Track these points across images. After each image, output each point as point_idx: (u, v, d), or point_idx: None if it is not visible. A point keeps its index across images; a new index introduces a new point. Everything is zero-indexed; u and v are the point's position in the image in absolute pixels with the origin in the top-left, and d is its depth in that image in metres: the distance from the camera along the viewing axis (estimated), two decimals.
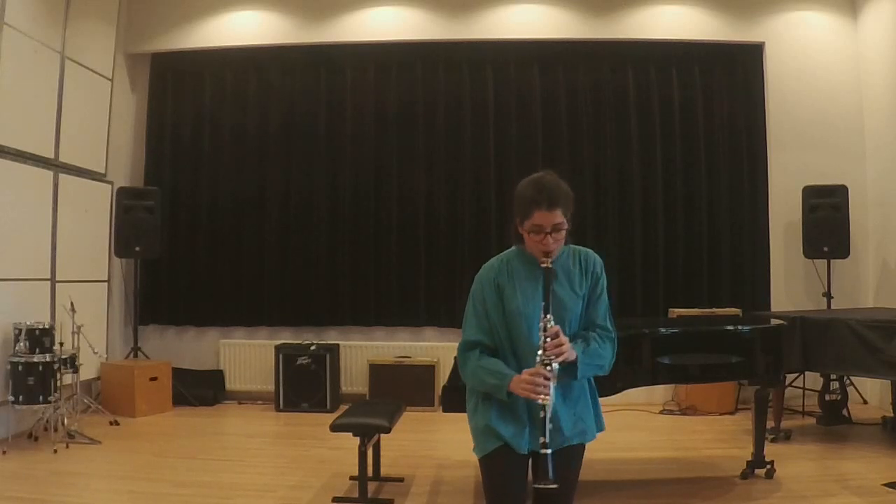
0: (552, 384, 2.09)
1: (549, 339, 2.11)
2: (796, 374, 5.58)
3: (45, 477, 4.34)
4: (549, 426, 2.08)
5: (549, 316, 2.13)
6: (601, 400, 2.47)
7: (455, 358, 3.67)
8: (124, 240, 6.48)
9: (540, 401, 2.07)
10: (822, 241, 6.11)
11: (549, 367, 2.09)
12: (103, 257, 6.52)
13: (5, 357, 5.04)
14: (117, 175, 6.79)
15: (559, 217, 2.17)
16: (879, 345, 4.27)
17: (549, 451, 2.06)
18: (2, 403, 5.04)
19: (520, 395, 2.14)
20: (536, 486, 2.04)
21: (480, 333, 2.27)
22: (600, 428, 2.37)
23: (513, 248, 2.34)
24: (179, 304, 6.99)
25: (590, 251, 2.35)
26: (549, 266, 2.17)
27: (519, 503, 2.28)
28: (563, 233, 2.21)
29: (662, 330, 3.93)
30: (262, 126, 7.04)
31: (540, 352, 2.11)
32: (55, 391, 5.06)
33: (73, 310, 5.31)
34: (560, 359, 2.11)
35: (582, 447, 2.32)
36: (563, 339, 2.14)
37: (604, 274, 2.33)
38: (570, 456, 2.28)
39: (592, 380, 2.37)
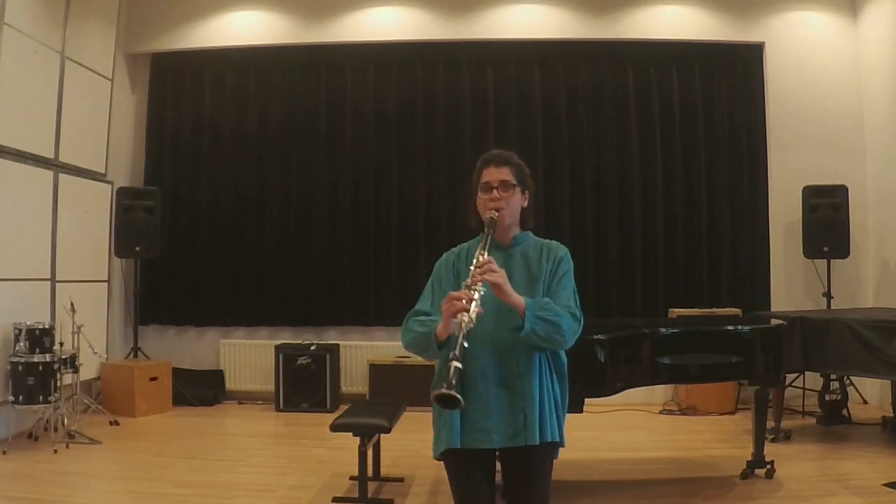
0: (475, 308, 1.95)
1: (477, 269, 2.02)
2: (796, 374, 5.58)
3: (45, 477, 4.34)
4: (462, 343, 1.91)
5: (484, 252, 2.07)
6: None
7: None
8: (124, 240, 6.47)
9: (456, 319, 1.95)
10: (822, 241, 6.11)
11: (472, 290, 1.98)
12: (103, 257, 6.52)
13: (5, 357, 5.04)
14: (117, 175, 6.79)
15: (506, 174, 2.23)
16: (879, 345, 4.27)
17: (458, 365, 1.89)
18: (2, 403, 5.04)
19: (443, 333, 2.04)
20: (434, 393, 1.92)
21: (428, 306, 2.25)
22: (552, 438, 2.16)
23: (477, 236, 2.29)
24: (179, 304, 6.99)
25: (555, 242, 2.31)
26: (493, 216, 2.18)
27: (485, 501, 2.22)
28: (514, 192, 2.23)
29: (662, 330, 3.92)
30: (262, 126, 7.04)
31: (468, 279, 2.02)
32: (55, 391, 5.05)
33: (73, 310, 5.31)
34: (489, 278, 2.00)
35: (539, 452, 2.16)
36: (496, 266, 2.04)
37: (568, 259, 2.25)
38: (535, 456, 2.17)
39: (554, 382, 2.21)
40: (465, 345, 1.92)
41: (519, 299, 2.05)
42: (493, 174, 2.23)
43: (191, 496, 4.01)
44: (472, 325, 1.94)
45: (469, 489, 2.21)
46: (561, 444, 2.22)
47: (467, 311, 1.94)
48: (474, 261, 2.06)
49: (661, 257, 6.74)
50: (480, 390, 2.15)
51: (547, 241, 2.31)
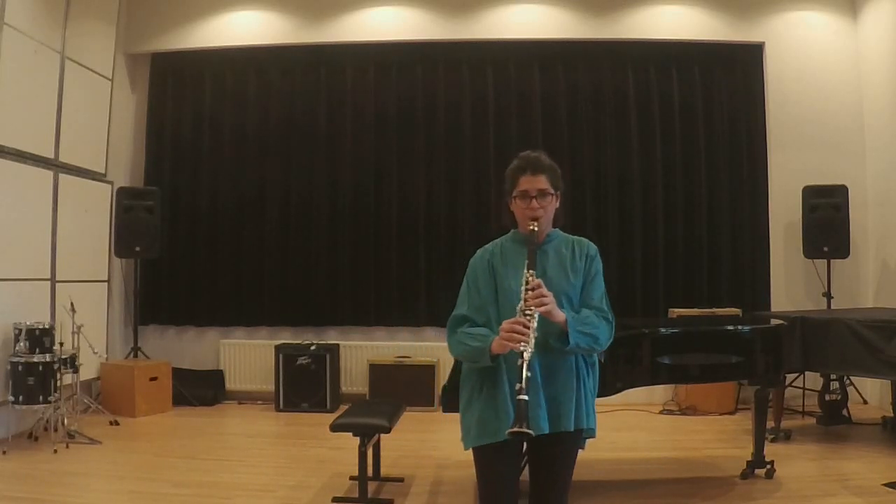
0: (532, 335, 2.07)
1: (529, 291, 2.12)
2: (796, 374, 5.58)
3: (45, 477, 4.33)
4: (526, 374, 2.02)
5: (531, 272, 2.16)
6: (601, 401, 2.48)
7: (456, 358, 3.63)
8: (124, 240, 6.47)
9: (519, 349, 2.05)
10: (822, 241, 6.11)
11: (528, 317, 2.09)
12: (103, 257, 6.52)
13: (5, 357, 5.04)
14: (117, 175, 6.79)
15: (543, 183, 2.28)
16: (879, 345, 4.26)
17: (525, 397, 2.00)
18: (2, 403, 5.04)
19: (500, 351, 2.14)
20: (509, 431, 1.99)
21: (470, 311, 2.31)
22: (588, 425, 2.30)
23: (510, 232, 2.41)
24: (179, 304, 6.99)
25: (585, 239, 2.41)
26: (534, 228, 2.25)
27: (510, 494, 2.30)
28: (550, 200, 2.30)
29: (662, 330, 3.93)
30: (262, 126, 7.04)
31: (521, 303, 2.11)
32: (55, 391, 5.05)
33: (73, 310, 5.30)
34: (542, 309, 2.10)
35: (571, 439, 2.28)
36: (546, 290, 2.13)
37: (599, 259, 2.37)
38: (563, 443, 2.27)
39: (589, 375, 2.33)
40: (528, 374, 2.03)
41: (562, 317, 2.16)
42: (530, 183, 2.27)
43: (191, 496, 4.01)
44: (531, 353, 2.05)
45: (504, 476, 2.29)
46: (593, 433, 2.35)
47: (527, 342, 2.05)
48: (523, 282, 2.15)
49: (661, 257, 6.75)
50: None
51: (576, 237, 2.40)
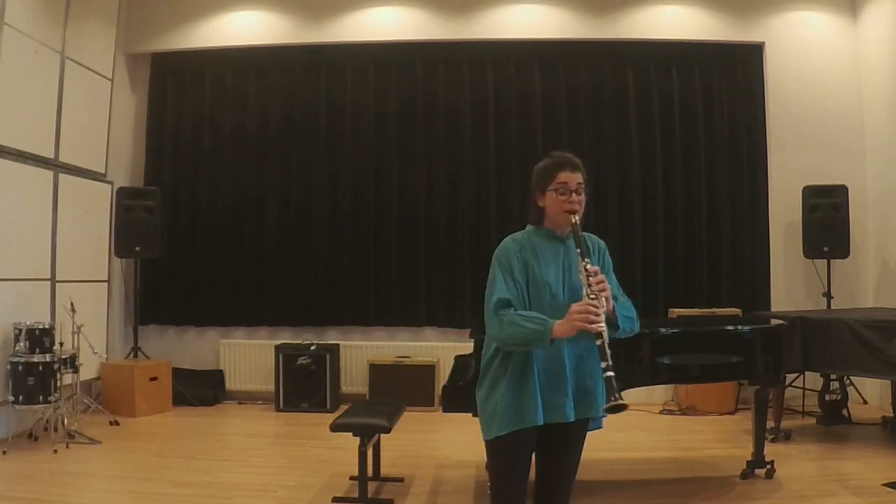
0: (602, 316, 2.17)
1: (591, 278, 2.22)
2: (796, 374, 5.58)
3: (45, 477, 4.33)
4: (608, 350, 2.13)
5: (587, 260, 2.25)
6: None
7: (455, 357, 3.68)
8: (124, 240, 6.47)
9: (595, 329, 2.14)
10: (822, 241, 6.11)
11: (595, 300, 2.18)
12: (103, 257, 6.52)
13: (5, 357, 5.04)
14: (117, 175, 6.79)
15: (580, 179, 2.38)
16: (879, 345, 4.27)
17: (611, 373, 2.11)
18: (2, 403, 5.04)
19: (567, 335, 2.19)
20: (606, 406, 2.09)
21: (510, 294, 2.33)
22: (598, 424, 2.44)
23: (528, 228, 2.46)
24: (179, 304, 6.99)
25: (595, 236, 2.51)
26: (576, 220, 2.33)
27: (523, 485, 2.36)
28: (584, 198, 2.39)
29: (662, 330, 3.92)
30: (262, 126, 7.04)
31: (585, 289, 2.21)
32: (55, 391, 5.05)
33: (73, 310, 5.30)
34: (605, 294, 2.21)
35: (585, 426, 2.40)
36: (603, 276, 2.26)
37: (607, 252, 2.49)
38: (580, 429, 2.38)
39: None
40: (609, 352, 2.15)
41: (612, 305, 2.27)
42: (570, 177, 2.36)
43: (191, 496, 4.01)
44: (606, 331, 2.17)
45: (525, 463, 2.37)
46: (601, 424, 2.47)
47: (601, 323, 2.16)
48: (581, 269, 2.25)
49: (661, 257, 6.75)
50: (557, 370, 2.30)
51: (587, 234, 2.47)
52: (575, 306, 2.18)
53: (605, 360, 2.12)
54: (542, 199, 2.39)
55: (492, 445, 2.37)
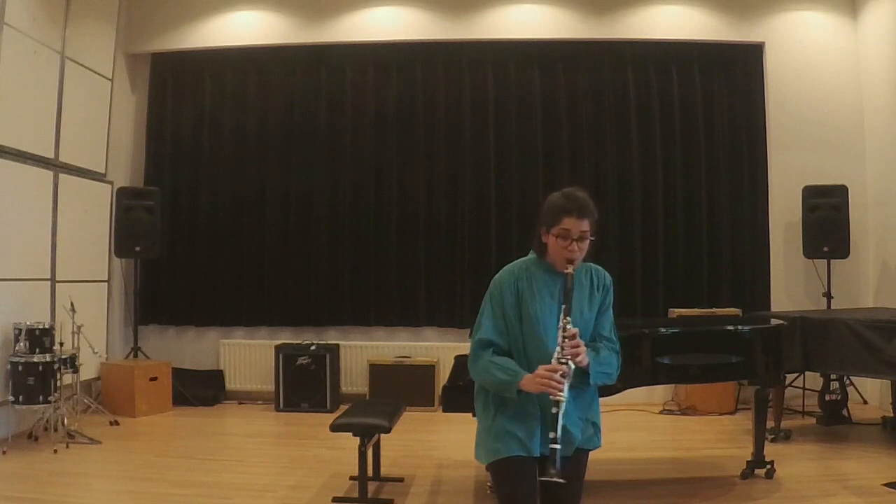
0: (566, 382, 2.15)
1: (566, 340, 2.18)
2: (796, 374, 5.58)
3: (45, 477, 4.34)
4: (560, 422, 2.12)
5: (568, 318, 2.21)
6: (601, 400, 2.51)
7: (455, 358, 3.69)
8: (124, 240, 6.47)
9: (555, 397, 2.13)
10: (822, 241, 6.11)
11: (564, 366, 2.15)
12: (103, 257, 6.52)
13: (5, 357, 5.03)
14: (117, 175, 6.79)
15: (586, 226, 2.28)
16: (879, 345, 4.27)
17: (558, 446, 2.10)
18: (2, 403, 5.04)
19: (533, 392, 2.18)
20: (542, 478, 2.08)
21: (495, 334, 2.32)
22: (600, 443, 2.45)
23: (531, 255, 2.41)
24: (179, 304, 6.99)
25: (600, 268, 2.44)
26: (571, 272, 2.27)
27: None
28: (587, 244, 2.30)
29: (662, 330, 3.92)
30: (262, 126, 7.03)
31: (557, 350, 2.18)
32: (55, 391, 5.05)
33: (73, 310, 5.31)
34: (577, 360, 2.19)
35: (587, 453, 2.39)
36: (580, 341, 2.22)
37: (612, 289, 2.42)
38: (579, 461, 2.35)
39: (597, 404, 2.46)
40: (562, 423, 2.14)
41: (587, 362, 2.26)
42: (574, 225, 2.27)
43: (191, 496, 4.01)
44: (565, 402, 2.15)
45: (529, 492, 2.30)
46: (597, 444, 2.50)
47: (562, 391, 2.14)
48: (559, 329, 2.21)
49: (661, 257, 6.75)
50: (529, 409, 2.29)
51: (590, 265, 2.42)
52: (542, 368, 2.17)
53: (554, 430, 2.11)
54: (546, 236, 2.33)
55: (489, 469, 2.38)
